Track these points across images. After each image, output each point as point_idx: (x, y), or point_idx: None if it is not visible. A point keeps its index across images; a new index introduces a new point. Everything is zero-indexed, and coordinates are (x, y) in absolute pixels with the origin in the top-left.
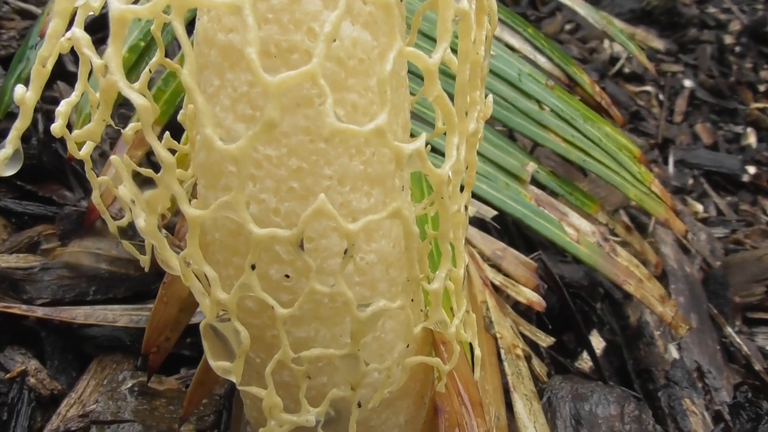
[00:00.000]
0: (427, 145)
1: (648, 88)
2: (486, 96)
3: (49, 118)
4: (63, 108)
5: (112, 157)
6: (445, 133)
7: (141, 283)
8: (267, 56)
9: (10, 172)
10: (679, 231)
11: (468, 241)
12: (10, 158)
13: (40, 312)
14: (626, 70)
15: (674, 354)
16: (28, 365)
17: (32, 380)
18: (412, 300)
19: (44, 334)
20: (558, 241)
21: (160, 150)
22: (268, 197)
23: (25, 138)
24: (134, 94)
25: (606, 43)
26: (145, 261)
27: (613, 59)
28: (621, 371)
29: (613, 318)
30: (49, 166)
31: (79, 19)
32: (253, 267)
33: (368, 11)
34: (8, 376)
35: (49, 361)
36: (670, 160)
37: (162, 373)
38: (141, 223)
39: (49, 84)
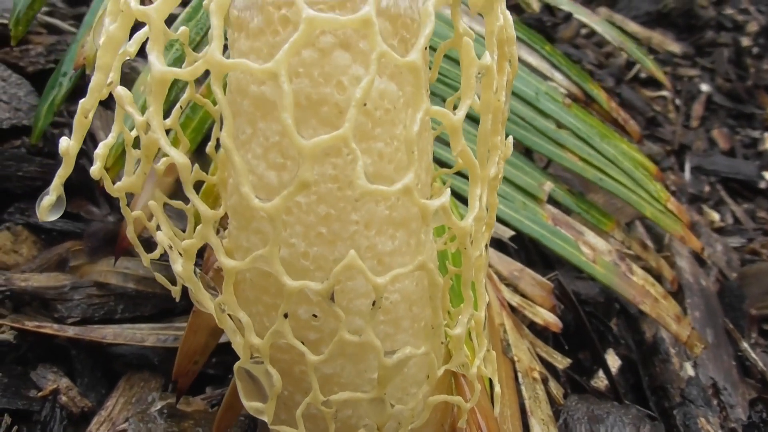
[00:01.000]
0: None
1: (665, 93)
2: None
3: None
4: (101, 151)
5: (151, 203)
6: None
7: (167, 300)
8: (298, 107)
9: (53, 218)
10: (695, 248)
11: None
12: (54, 204)
13: (71, 332)
14: (642, 74)
15: (689, 371)
16: (60, 383)
17: (64, 398)
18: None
19: (75, 352)
20: (574, 261)
21: (199, 204)
22: (297, 242)
23: (51, 153)
24: (174, 152)
25: None
26: (176, 292)
27: (630, 63)
28: (636, 388)
29: (628, 334)
30: (75, 182)
31: (117, 65)
32: (285, 315)
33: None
34: (41, 394)
35: (79, 379)
36: (687, 167)
37: (188, 393)
38: (178, 267)
39: (76, 99)
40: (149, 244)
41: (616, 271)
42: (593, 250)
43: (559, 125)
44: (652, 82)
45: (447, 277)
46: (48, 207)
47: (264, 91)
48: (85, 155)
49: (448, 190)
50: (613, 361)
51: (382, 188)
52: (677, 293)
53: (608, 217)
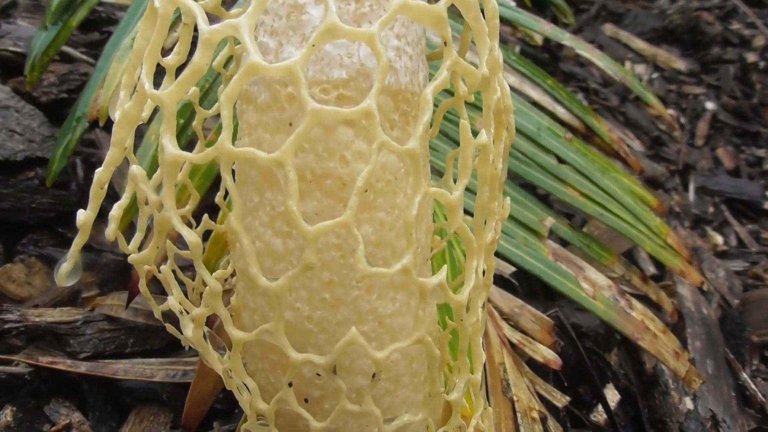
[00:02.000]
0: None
1: (670, 111)
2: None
3: (87, 163)
4: (115, 212)
5: (163, 269)
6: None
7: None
8: (303, 181)
9: (70, 283)
10: (694, 282)
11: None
12: (71, 271)
13: (83, 368)
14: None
15: (689, 404)
16: (72, 417)
17: None
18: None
19: (87, 386)
20: (575, 297)
21: (209, 279)
22: (302, 306)
23: (63, 184)
24: (186, 231)
25: (628, 64)
26: (186, 342)
27: None
28: (636, 420)
29: (628, 365)
30: None
31: (127, 134)
32: (290, 384)
33: (395, 136)
34: (54, 429)
35: (90, 413)
36: (691, 187)
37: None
38: (188, 333)
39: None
40: (157, 281)
41: (615, 307)
42: (593, 285)
43: (560, 160)
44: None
45: (447, 331)
46: (66, 274)
47: None
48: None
49: (445, 267)
50: (612, 395)
51: (382, 270)
52: (678, 322)
53: (609, 251)
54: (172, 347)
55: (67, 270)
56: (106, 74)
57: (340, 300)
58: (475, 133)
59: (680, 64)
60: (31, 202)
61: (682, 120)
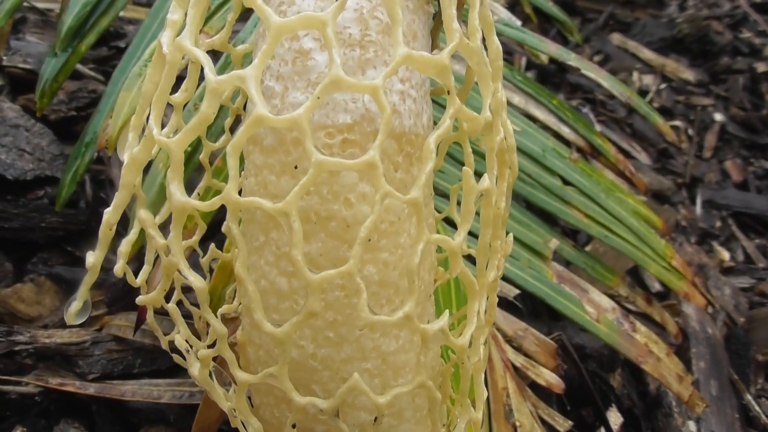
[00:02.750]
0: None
1: (677, 122)
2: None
3: (97, 182)
4: (123, 248)
5: (170, 308)
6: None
7: None
8: (308, 223)
9: (80, 321)
10: (699, 304)
11: None
12: (80, 310)
13: (92, 389)
14: (656, 104)
15: (692, 427)
16: None
17: None
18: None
19: (95, 407)
20: (578, 320)
21: (215, 323)
22: (306, 344)
23: (72, 203)
24: (192, 277)
25: (635, 75)
26: (194, 376)
27: (642, 92)
28: None
29: (632, 386)
30: (94, 230)
31: (136, 177)
32: (293, 426)
33: (399, 178)
34: None
35: None
36: (698, 201)
37: None
38: (194, 372)
39: None
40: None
41: (618, 330)
42: (597, 307)
43: (565, 182)
44: (665, 111)
45: (449, 364)
46: (75, 313)
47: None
48: (104, 203)
49: (446, 312)
50: (616, 418)
51: (385, 318)
52: (683, 342)
53: (613, 272)
54: (179, 368)
55: (76, 309)
56: (115, 102)
57: (344, 338)
58: (477, 174)
59: (689, 75)
60: (40, 221)
61: (690, 132)
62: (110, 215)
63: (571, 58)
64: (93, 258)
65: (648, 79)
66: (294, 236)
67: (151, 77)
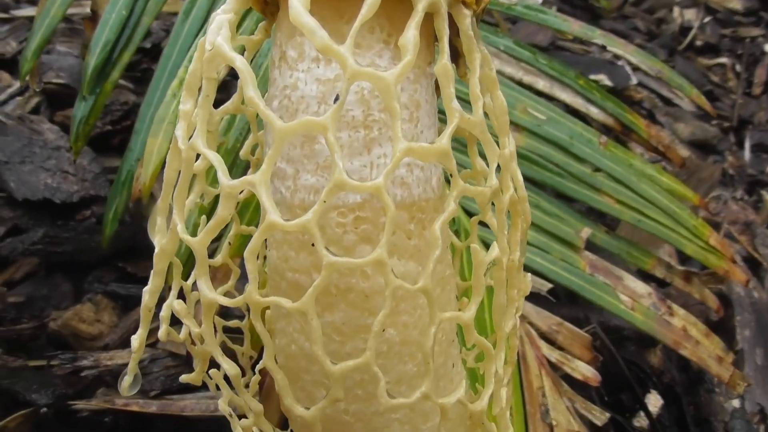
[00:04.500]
0: None
1: (723, 59)
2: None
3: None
4: (164, 313)
5: (213, 383)
6: None
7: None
8: (328, 295)
9: (133, 392)
10: (739, 281)
11: (524, 318)
12: (132, 383)
13: (154, 407)
14: (698, 42)
15: (735, 403)
16: None
17: None
18: None
19: (159, 423)
20: (613, 310)
21: (251, 402)
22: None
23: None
24: (227, 365)
25: (676, 11)
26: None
27: (684, 29)
28: (681, 421)
29: (672, 363)
30: (142, 246)
31: (167, 264)
32: None
33: (413, 245)
34: None
35: None
36: (747, 145)
37: None
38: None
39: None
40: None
41: (655, 317)
42: (632, 294)
43: (595, 169)
44: (710, 49)
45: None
46: (128, 387)
47: (298, 279)
48: (145, 219)
49: (463, 382)
50: (656, 400)
51: (403, 401)
52: (727, 309)
53: (649, 254)
54: None
55: (128, 383)
56: (142, 152)
57: (372, 395)
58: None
59: (736, 3)
60: (91, 242)
61: (738, 68)
62: (147, 300)
63: (596, 35)
64: (137, 340)
65: (690, 14)
66: (313, 333)
67: (171, 165)
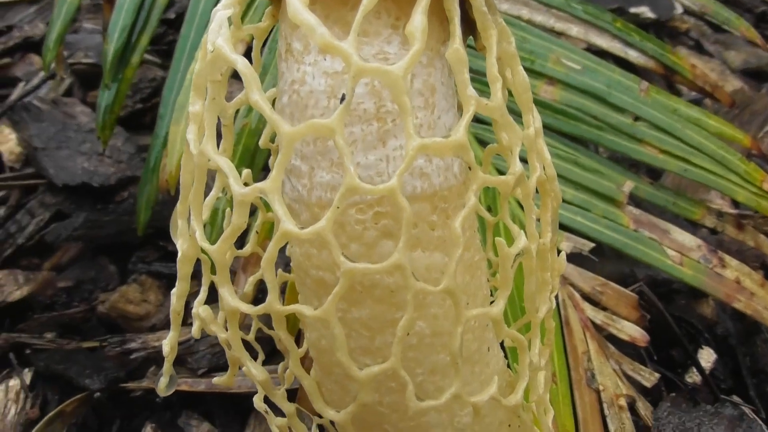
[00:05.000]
0: None
1: None
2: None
3: None
4: (196, 310)
5: (255, 399)
6: None
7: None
8: (354, 292)
9: (169, 393)
10: None
11: (566, 280)
12: (168, 383)
13: (203, 386)
14: None
15: None
16: (201, 427)
17: None
18: None
19: (209, 398)
20: (660, 266)
21: (284, 404)
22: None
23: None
24: (255, 371)
25: None
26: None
27: None
28: (736, 374)
29: (726, 314)
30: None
31: (190, 269)
32: None
33: (437, 236)
34: None
35: (217, 420)
36: None
37: None
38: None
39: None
40: None
41: (705, 270)
42: (680, 248)
43: (636, 118)
44: None
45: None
46: (164, 388)
47: (322, 276)
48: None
49: (495, 378)
50: (708, 355)
51: (433, 403)
52: None
53: (698, 203)
54: (274, 355)
55: (164, 384)
56: (167, 140)
57: (405, 386)
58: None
59: None
60: (131, 222)
61: None
62: (175, 305)
63: None
64: (169, 344)
65: None
66: (337, 340)
67: (185, 168)
